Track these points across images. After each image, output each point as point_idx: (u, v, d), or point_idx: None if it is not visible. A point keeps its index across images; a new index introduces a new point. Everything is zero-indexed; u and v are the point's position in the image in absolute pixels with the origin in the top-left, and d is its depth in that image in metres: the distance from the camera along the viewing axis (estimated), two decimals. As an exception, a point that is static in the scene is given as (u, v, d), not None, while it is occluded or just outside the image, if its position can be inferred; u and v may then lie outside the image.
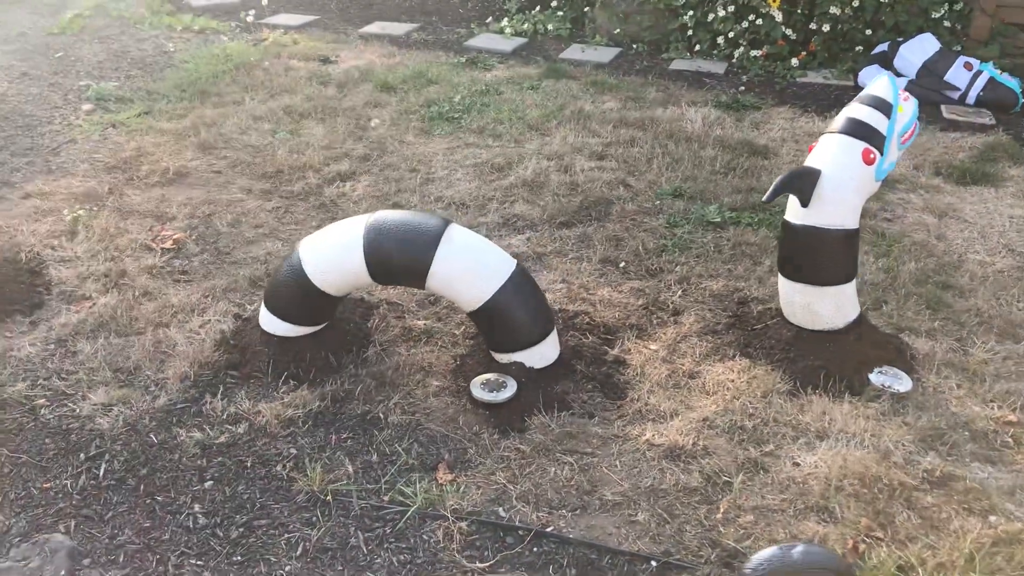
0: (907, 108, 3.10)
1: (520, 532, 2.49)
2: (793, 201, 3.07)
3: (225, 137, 5.26)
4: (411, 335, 3.38)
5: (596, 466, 2.74)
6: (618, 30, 7.18)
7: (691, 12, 6.87)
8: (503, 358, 3.03)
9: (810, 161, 3.08)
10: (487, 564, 2.40)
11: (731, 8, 6.64)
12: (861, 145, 2.99)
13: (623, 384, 3.12)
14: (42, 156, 4.95)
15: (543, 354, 3.02)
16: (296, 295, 2.99)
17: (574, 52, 6.96)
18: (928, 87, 5.94)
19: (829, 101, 5.98)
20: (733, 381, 3.11)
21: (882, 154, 2.98)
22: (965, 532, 2.46)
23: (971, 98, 5.86)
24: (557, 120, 5.52)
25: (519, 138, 5.33)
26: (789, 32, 6.59)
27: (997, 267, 3.90)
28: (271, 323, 3.11)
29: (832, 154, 3.04)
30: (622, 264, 3.96)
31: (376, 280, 2.93)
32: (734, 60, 6.69)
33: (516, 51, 7.05)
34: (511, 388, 2.89)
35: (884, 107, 3.04)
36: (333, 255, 2.93)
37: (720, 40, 6.79)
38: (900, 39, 6.31)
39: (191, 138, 5.24)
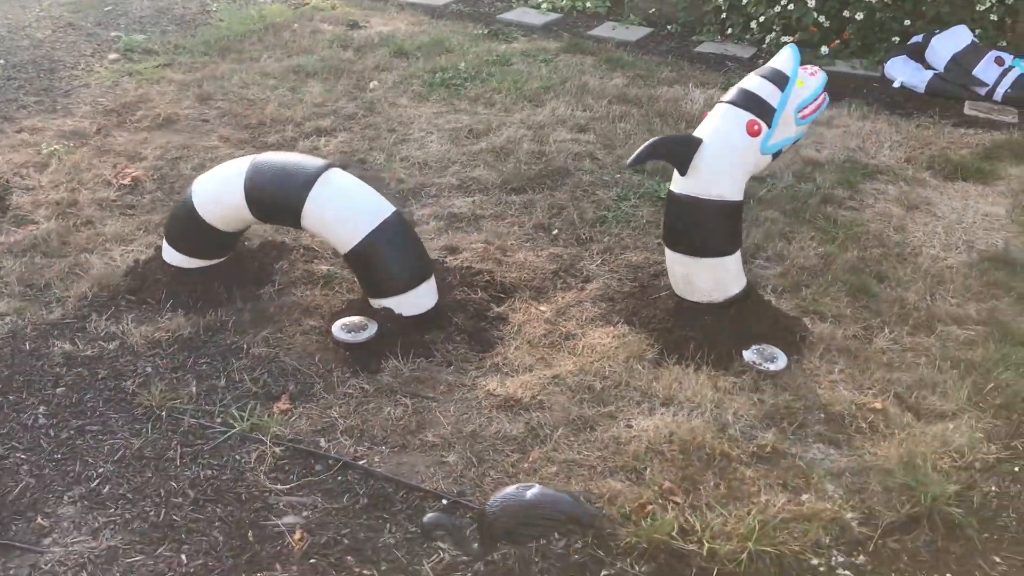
0: (809, 83, 3.06)
1: (330, 461, 2.60)
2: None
3: (225, 90, 5.51)
4: (312, 278, 3.53)
5: (430, 410, 2.83)
6: (653, 10, 7.14)
7: (726, -6, 6.76)
8: (375, 303, 3.14)
9: (699, 130, 3.07)
10: (288, 487, 2.53)
11: (764, -9, 6.51)
12: (747, 116, 2.97)
13: (494, 339, 3.18)
14: (52, 97, 5.30)
15: (413, 302, 3.12)
16: (188, 228, 3.17)
17: (604, 29, 6.97)
18: (955, 81, 5.73)
19: (846, 91, 5.86)
20: (604, 345, 3.14)
21: (769, 127, 2.96)
22: (767, 506, 2.44)
23: (998, 94, 5.63)
24: (555, 92, 5.56)
25: (510, 107, 5.40)
26: (822, 19, 6.43)
27: (948, 263, 3.80)
28: (169, 254, 3.31)
29: (716, 123, 3.04)
30: (554, 231, 4.02)
31: (257, 216, 3.08)
32: (764, 46, 6.57)
33: (546, 26, 7.09)
34: (371, 331, 3.00)
35: (779, 79, 3.01)
36: (218, 191, 3.10)
37: (753, 24, 6.67)
38: (937, 31, 6.08)
39: (194, 89, 5.50)
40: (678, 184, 3.05)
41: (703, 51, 6.66)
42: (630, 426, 2.76)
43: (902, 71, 5.98)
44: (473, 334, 3.16)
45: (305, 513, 2.42)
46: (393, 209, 3.07)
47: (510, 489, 2.07)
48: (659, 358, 3.06)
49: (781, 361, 3.03)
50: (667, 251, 3.16)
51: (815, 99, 3.05)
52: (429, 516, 2.09)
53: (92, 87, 5.47)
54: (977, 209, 4.28)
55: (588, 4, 7.56)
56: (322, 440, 2.69)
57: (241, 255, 3.48)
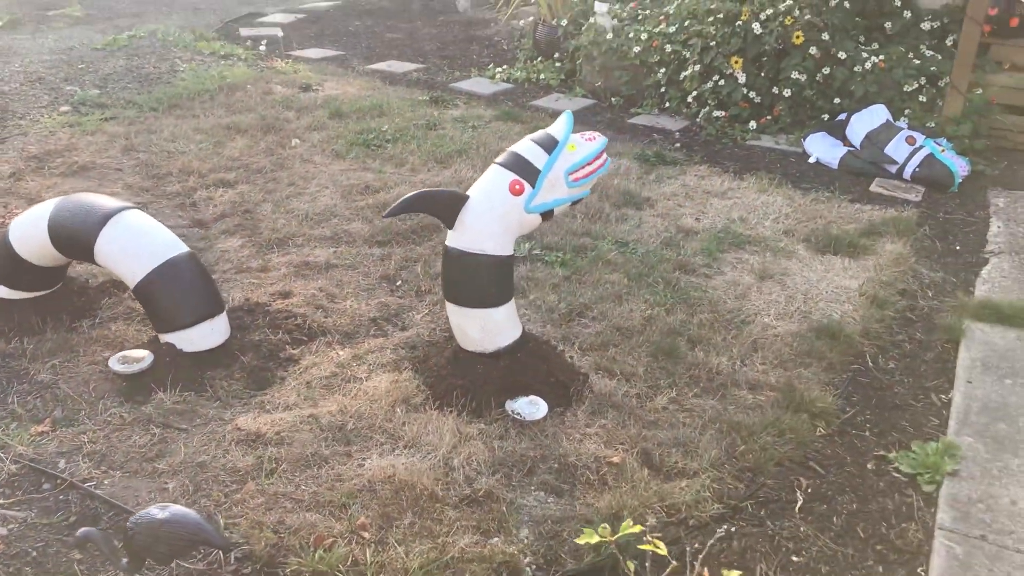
0: (582, 147, 3.17)
1: (58, 481, 2.73)
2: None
3: (151, 143, 5.82)
4: (132, 314, 3.71)
5: (175, 440, 2.96)
6: (599, 83, 7.31)
7: (664, 70, 6.94)
8: (161, 337, 3.30)
9: (471, 187, 3.21)
10: (9, 500, 2.66)
11: (697, 67, 6.67)
12: (510, 176, 3.09)
13: (275, 378, 3.31)
14: (-14, 143, 5.64)
15: (197, 338, 3.27)
16: (8, 264, 3.38)
17: (548, 100, 7.16)
18: (868, 158, 5.79)
19: (761, 164, 5.93)
20: (379, 389, 3.24)
21: (533, 187, 3.07)
22: (450, 545, 2.51)
23: (907, 172, 5.66)
24: (468, 156, 5.74)
25: (418, 168, 5.59)
26: (752, 95, 6.55)
27: (775, 331, 3.83)
28: (-1, 288, 3.51)
29: (484, 182, 3.16)
30: (398, 282, 4.12)
31: (60, 251, 3.28)
32: (698, 119, 6.70)
33: (493, 95, 7.31)
34: (145, 363, 3.15)
35: (547, 143, 3.13)
36: (28, 229, 3.31)
37: (689, 99, 6.81)
38: (861, 109, 6.16)
39: (122, 141, 5.81)
40: (450, 237, 3.16)
41: (636, 123, 6.79)
42: (362, 465, 2.84)
43: (819, 147, 6.04)
44: (253, 373, 3.27)
45: (12, 525, 2.54)
46: (183, 250, 3.24)
47: (149, 508, 2.17)
48: (424, 403, 3.13)
49: (540, 412, 3.08)
50: (446, 301, 3.26)
51: (588, 163, 3.14)
52: (81, 531, 2.19)
53: (29, 135, 5.78)
54: (832, 282, 4.29)
55: (543, 76, 7.75)
56: (62, 462, 2.83)
57: (71, 289, 3.66)
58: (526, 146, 3.13)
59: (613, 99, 7.25)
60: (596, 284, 4.13)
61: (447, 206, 3.07)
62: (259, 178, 5.40)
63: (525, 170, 3.06)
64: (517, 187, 3.04)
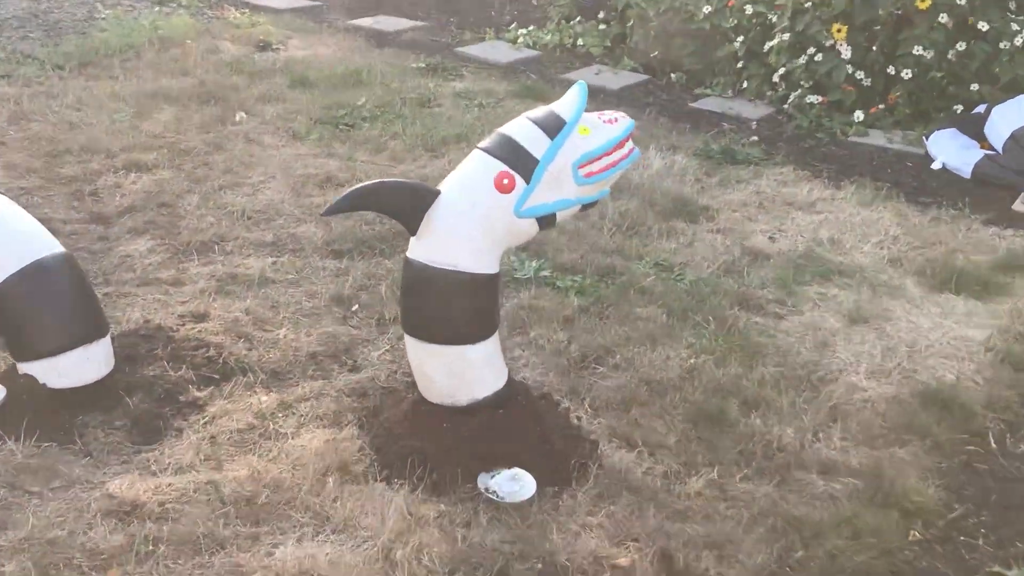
0: (598, 132, 3.11)
1: None
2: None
3: (51, 110, 5.87)
4: None
5: (24, 507, 2.91)
6: (655, 53, 7.30)
7: (742, 38, 6.89)
8: (20, 367, 3.25)
9: (444, 180, 3.16)
10: None
11: (787, 36, 6.61)
12: (497, 167, 3.03)
13: (170, 429, 3.28)
14: None
15: (67, 371, 3.23)
16: None
17: (585, 73, 7.22)
18: (1012, 165, 5.67)
19: (866, 168, 5.93)
20: (309, 450, 3.20)
21: (528, 183, 3.01)
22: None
23: (1066, 187, 5.53)
24: (467, 143, 5.71)
25: (400, 156, 5.61)
26: (860, 75, 6.47)
27: (863, 395, 3.76)
28: None
29: (461, 173, 3.11)
30: (355, 307, 4.14)
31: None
32: (786, 106, 6.65)
33: (513, 64, 7.42)
34: (-10, 405, 3.10)
35: (551, 124, 3.07)
36: None
37: (775, 78, 6.76)
38: (1006, 99, 6.07)
39: (12, 106, 5.86)
40: (413, 247, 3.10)
41: (701, 107, 6.79)
42: (271, 554, 2.78)
43: (947, 148, 5.95)
44: (141, 420, 3.24)
45: None
46: (58, 251, 3.19)
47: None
48: (367, 472, 3.08)
49: (525, 491, 3.02)
50: (406, 335, 3.19)
51: (606, 152, 3.07)
52: None
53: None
54: (949, 331, 4.20)
55: (581, 41, 7.75)
56: None
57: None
58: (521, 127, 3.08)
59: (673, 75, 7.30)
60: (623, 320, 4.09)
61: (408, 203, 3.03)
62: (187, 162, 5.45)
63: (518, 159, 3.01)
64: (506, 181, 2.99)
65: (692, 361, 3.89)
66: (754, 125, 6.47)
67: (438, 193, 3.05)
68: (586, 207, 3.22)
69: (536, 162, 3.03)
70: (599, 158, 3.11)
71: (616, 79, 7.06)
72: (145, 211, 4.83)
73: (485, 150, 3.06)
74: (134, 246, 4.52)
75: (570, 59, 7.58)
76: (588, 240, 4.77)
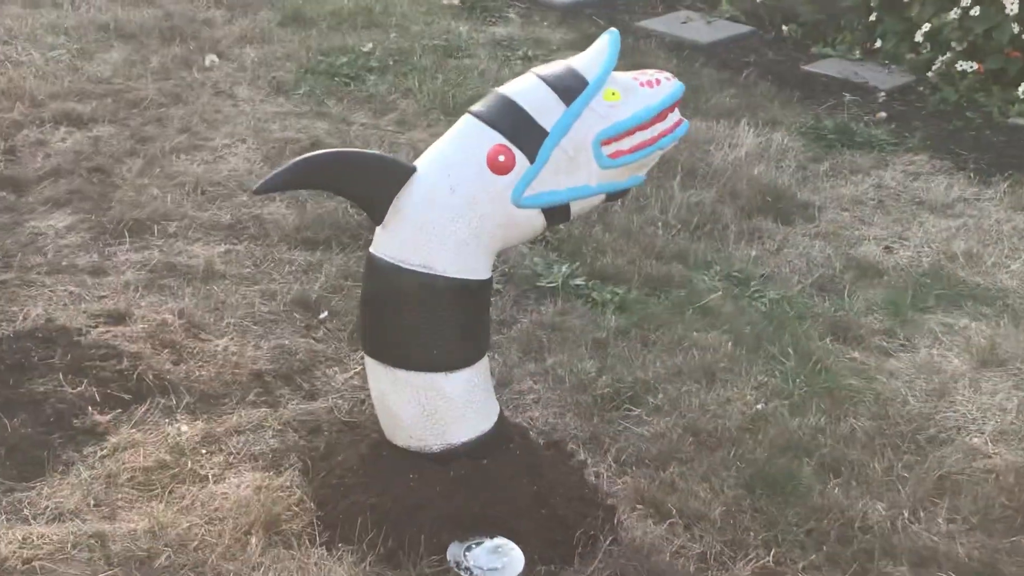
0: (632, 97, 3.04)
1: None
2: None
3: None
4: None
5: None
6: (764, -1, 7.29)
7: (877, -18, 6.86)
8: None
9: (425, 153, 3.16)
10: None
11: (935, -16, 6.55)
12: (492, 139, 3.00)
13: (55, 462, 3.32)
14: None
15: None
16: None
17: (668, 22, 7.30)
18: None
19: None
20: (232, 499, 3.20)
21: (532, 161, 2.98)
22: None
23: None
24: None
25: (411, 121, 5.68)
26: (1030, 37, 6.39)
27: (985, 462, 3.67)
28: None
29: (443, 145, 3.09)
30: (323, 314, 4.19)
31: None
32: (931, 72, 6.61)
33: (576, 5, 7.52)
34: None
35: (568, 85, 2.99)
36: None
37: (918, 37, 6.74)
38: None
39: (-79, 35, 5.97)
40: (378, 240, 3.09)
41: (816, 71, 6.84)
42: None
43: None
44: (19, 448, 3.26)
45: None
46: None
47: None
48: (304, 532, 3.08)
49: (509, 569, 3.01)
50: (365, 356, 3.19)
51: (641, 126, 3.03)
52: None
53: None
54: (1115, 382, 4.09)
55: (679, -20, 7.78)
56: None
57: None
58: (528, 87, 3.05)
59: (784, 27, 7.30)
60: (674, 348, 4.05)
61: (371, 182, 3.02)
62: (134, 116, 5.51)
63: (520, 129, 2.97)
64: (502, 158, 2.96)
65: (759, 407, 3.84)
66: (883, 97, 6.40)
67: (413, 170, 3.02)
68: (612, 197, 3.18)
69: (544, 134, 2.98)
70: (631, 132, 3.06)
71: (709, 30, 7.12)
72: (71, 177, 4.87)
73: (477, 115, 3.03)
74: (50, 221, 4.53)
75: (650, 1, 7.47)
76: (641, 240, 4.73)
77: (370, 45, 6.15)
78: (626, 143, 3.02)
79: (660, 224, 4.86)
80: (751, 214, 5.01)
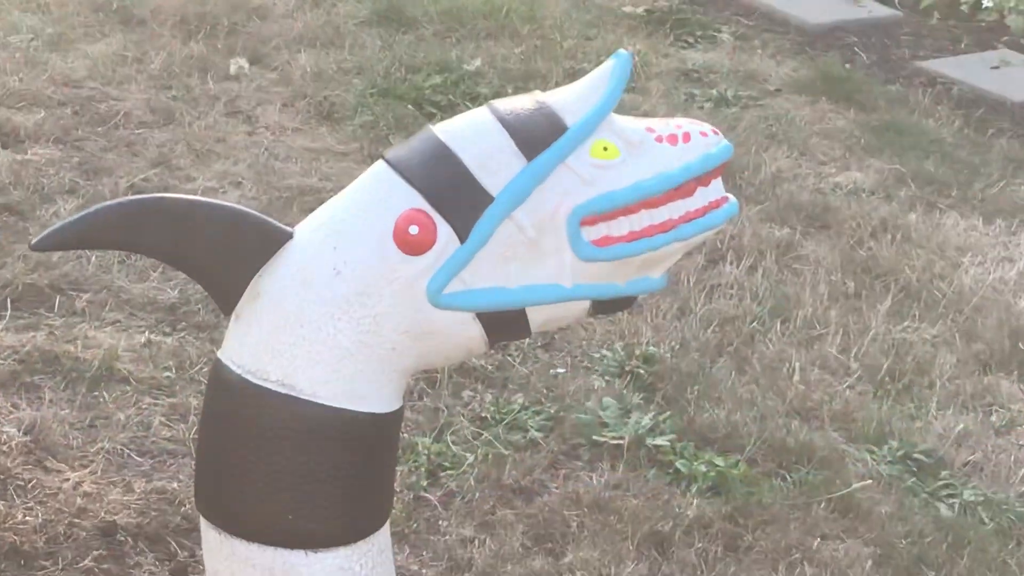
0: (639, 158, 2.85)
1: None
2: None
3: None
4: None
5: None
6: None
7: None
8: None
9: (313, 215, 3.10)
10: None
11: None
12: (407, 200, 2.89)
13: None
14: None
15: None
16: None
17: (970, 66, 7.44)
18: None
19: None
20: None
21: (463, 239, 2.89)
22: None
23: None
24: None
25: None
26: None
27: None
28: None
29: (340, 203, 3.02)
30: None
31: None
32: None
33: (833, 28, 7.77)
34: None
35: (535, 128, 2.84)
36: None
37: None
38: None
39: None
40: (228, 344, 3.00)
41: None
42: None
43: None
44: None
45: None
46: None
47: None
48: None
49: None
50: (201, 518, 3.12)
51: (649, 201, 2.91)
52: None
53: None
54: None
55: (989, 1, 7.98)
56: None
57: None
58: (472, 127, 2.87)
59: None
60: (776, 559, 3.99)
61: (220, 247, 2.86)
62: (97, 137, 5.65)
63: (449, 188, 2.81)
64: (415, 230, 2.78)
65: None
66: None
67: (287, 237, 2.87)
68: (603, 308, 3.02)
69: (488, 200, 2.82)
70: (632, 209, 2.87)
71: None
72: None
73: (392, 163, 2.89)
74: None
75: (955, 32, 7.54)
76: (784, 385, 4.70)
77: (478, 62, 6.02)
78: (623, 226, 2.83)
79: (832, 365, 4.89)
80: (988, 368, 4.98)
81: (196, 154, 5.48)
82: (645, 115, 5.87)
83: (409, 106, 6.09)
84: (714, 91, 6.66)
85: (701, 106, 6.51)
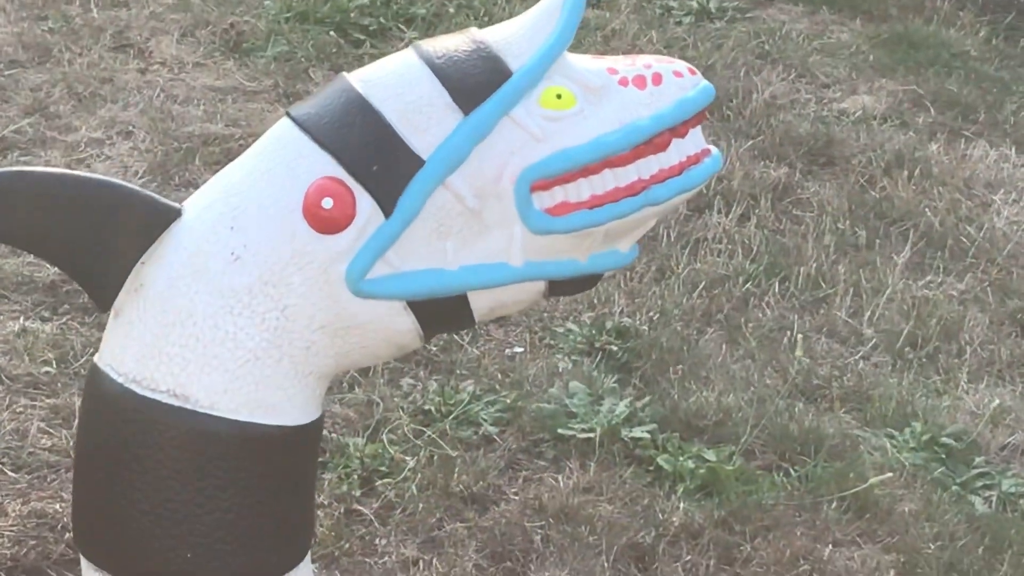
0: (600, 106, 2.86)
1: None
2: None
3: None
4: None
5: None
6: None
7: None
8: None
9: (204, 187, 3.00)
10: None
11: None
12: (319, 166, 2.82)
13: None
14: None
15: None
16: None
17: None
18: None
19: None
20: None
21: (388, 214, 2.80)
22: None
23: None
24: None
25: None
26: None
27: None
28: None
29: (237, 170, 2.92)
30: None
31: None
32: None
33: None
34: None
35: (473, 75, 2.84)
36: None
37: None
38: None
39: None
40: (106, 349, 2.92)
41: None
42: None
43: None
44: None
45: None
46: None
47: None
48: None
49: None
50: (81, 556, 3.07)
51: (613, 160, 2.84)
52: None
53: None
54: None
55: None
56: None
57: None
58: (396, 74, 2.89)
59: None
60: (780, 573, 4.00)
61: (92, 230, 2.88)
62: None
63: (369, 151, 2.82)
64: (329, 203, 2.78)
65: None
66: None
67: (176, 215, 2.81)
68: (561, 288, 2.99)
69: (417, 163, 2.80)
70: (593, 169, 2.84)
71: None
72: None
73: (300, 121, 2.84)
74: None
75: None
76: (786, 361, 4.70)
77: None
78: (583, 190, 2.83)
79: (841, 333, 4.88)
80: (1027, 330, 4.70)
81: (78, 98, 5.54)
82: (613, 34, 5.87)
83: (332, 32, 6.13)
84: (694, 2, 6.71)
85: (680, 21, 6.56)
